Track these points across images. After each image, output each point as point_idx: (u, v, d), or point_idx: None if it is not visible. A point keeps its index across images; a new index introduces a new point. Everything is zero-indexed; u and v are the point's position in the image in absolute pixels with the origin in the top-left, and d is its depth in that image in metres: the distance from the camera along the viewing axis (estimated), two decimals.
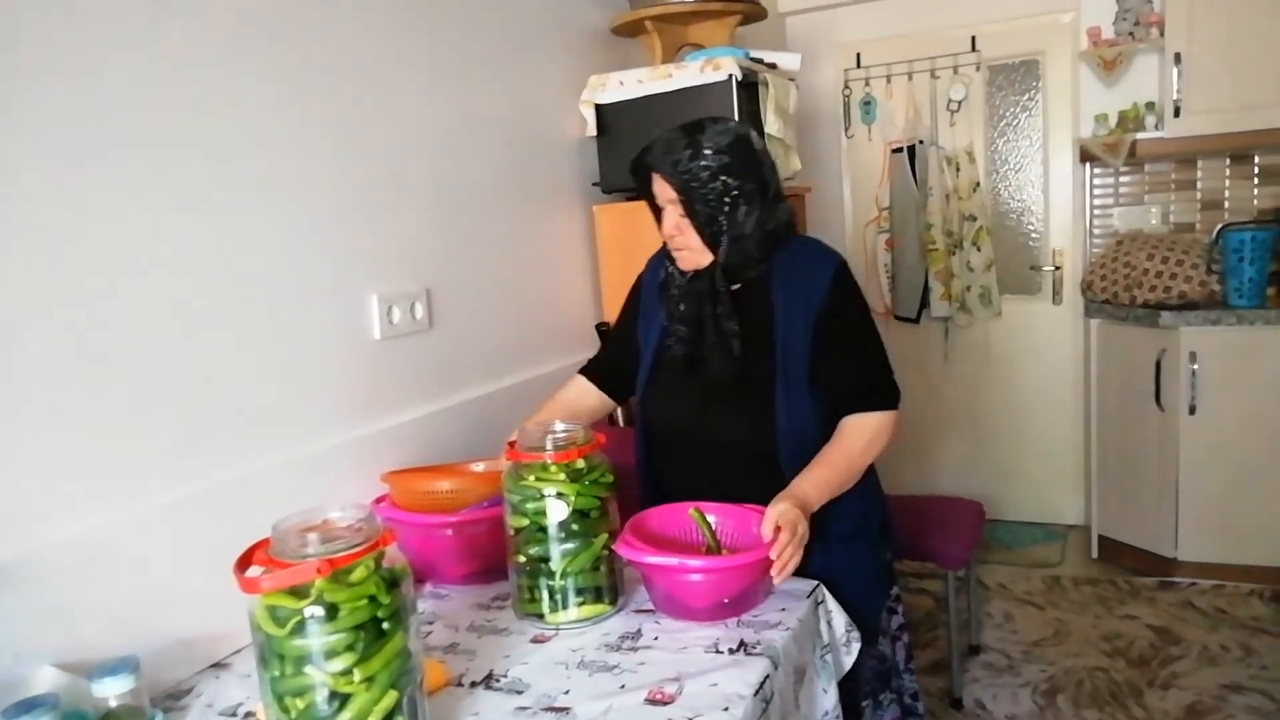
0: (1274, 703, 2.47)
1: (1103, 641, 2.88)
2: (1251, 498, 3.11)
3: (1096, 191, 3.70)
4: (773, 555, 1.33)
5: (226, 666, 1.38)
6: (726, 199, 1.53)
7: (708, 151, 1.52)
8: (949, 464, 4.09)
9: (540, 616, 1.41)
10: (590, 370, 1.85)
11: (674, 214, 1.57)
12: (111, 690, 1.12)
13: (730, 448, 1.60)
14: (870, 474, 1.70)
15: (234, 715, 1.23)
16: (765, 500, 1.46)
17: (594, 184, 2.58)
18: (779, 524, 1.36)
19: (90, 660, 1.18)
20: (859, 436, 1.55)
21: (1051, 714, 2.51)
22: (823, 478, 1.50)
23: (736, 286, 1.61)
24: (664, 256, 1.70)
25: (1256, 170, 3.45)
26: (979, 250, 3.80)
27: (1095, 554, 3.54)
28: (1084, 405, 3.76)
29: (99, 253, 1.29)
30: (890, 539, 1.77)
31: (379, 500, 1.69)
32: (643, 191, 1.65)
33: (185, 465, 1.41)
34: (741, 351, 1.56)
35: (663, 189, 1.57)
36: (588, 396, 1.82)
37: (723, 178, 1.52)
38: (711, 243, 1.56)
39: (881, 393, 1.59)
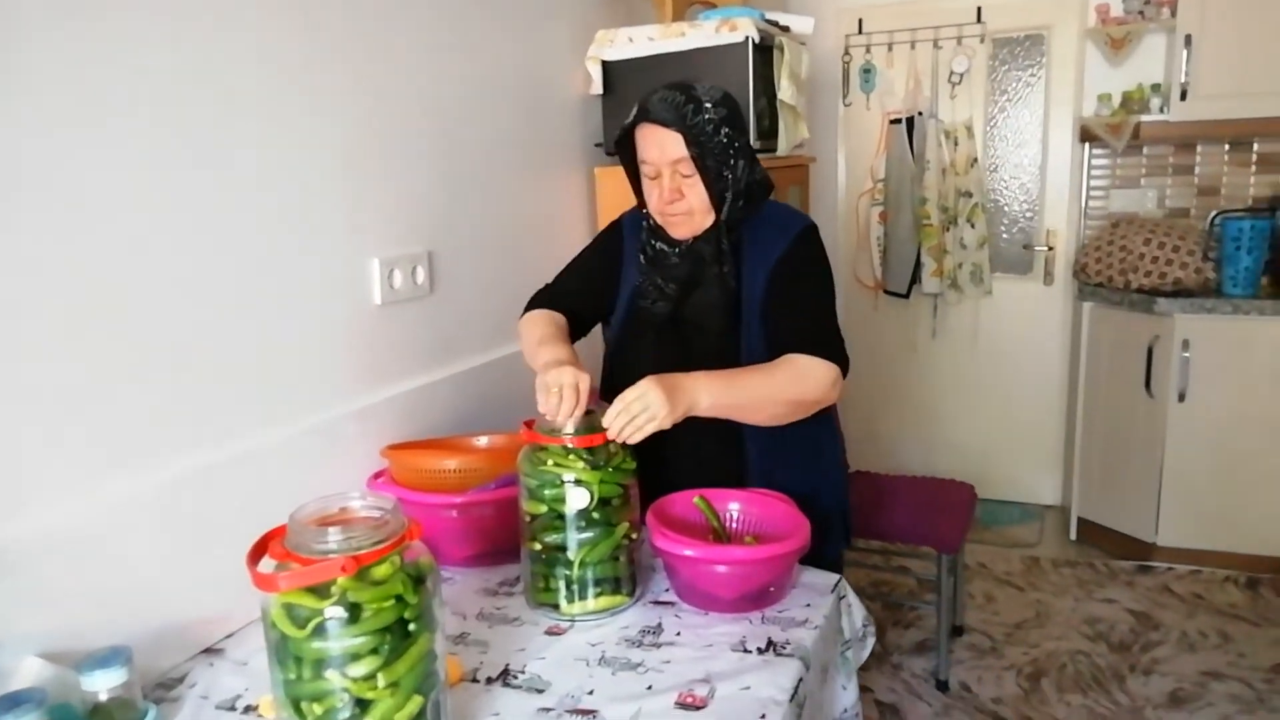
0: (1253, 691, 2.50)
1: (1084, 625, 2.89)
2: (1234, 486, 3.13)
3: (1094, 172, 3.66)
4: (605, 423, 1.30)
5: (219, 652, 1.30)
6: (730, 152, 1.48)
7: (708, 105, 1.46)
8: (930, 440, 4.08)
9: (555, 606, 1.34)
10: (555, 305, 1.67)
11: (676, 176, 1.48)
12: (102, 684, 1.04)
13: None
14: (834, 455, 1.67)
15: (232, 709, 1.15)
16: (728, 472, 1.51)
17: (596, 144, 2.48)
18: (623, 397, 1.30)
19: (77, 649, 1.10)
20: (786, 368, 1.44)
21: (1037, 698, 2.51)
22: (721, 378, 1.38)
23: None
24: (642, 226, 1.59)
25: (1255, 157, 3.43)
26: (973, 227, 3.75)
27: (1074, 535, 3.56)
28: (1068, 387, 3.76)
29: (92, 222, 1.18)
30: (846, 533, 1.72)
31: (377, 475, 1.60)
32: (627, 160, 1.56)
33: (176, 440, 1.30)
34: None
35: (667, 149, 1.46)
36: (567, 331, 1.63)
37: (725, 129, 1.47)
38: (718, 199, 1.49)
39: (824, 344, 1.46)
